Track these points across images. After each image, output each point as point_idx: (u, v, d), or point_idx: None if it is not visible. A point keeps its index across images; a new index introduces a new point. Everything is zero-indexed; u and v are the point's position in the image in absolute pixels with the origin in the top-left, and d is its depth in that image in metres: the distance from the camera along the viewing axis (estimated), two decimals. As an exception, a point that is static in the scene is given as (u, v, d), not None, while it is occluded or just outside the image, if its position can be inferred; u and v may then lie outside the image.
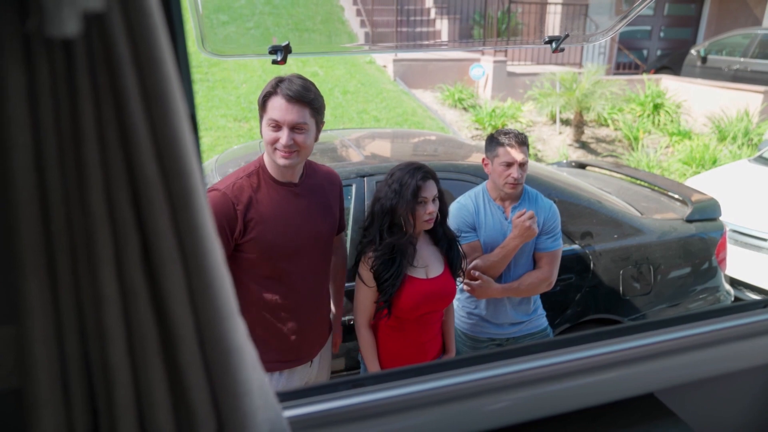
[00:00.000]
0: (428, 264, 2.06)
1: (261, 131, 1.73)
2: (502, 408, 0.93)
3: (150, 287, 0.54)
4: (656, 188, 4.28)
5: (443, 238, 2.13)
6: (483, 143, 2.40)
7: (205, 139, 7.01)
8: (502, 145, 2.19)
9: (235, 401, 0.60)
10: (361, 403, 0.83)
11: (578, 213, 3.35)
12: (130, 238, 0.52)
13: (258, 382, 0.63)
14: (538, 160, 7.90)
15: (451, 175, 3.17)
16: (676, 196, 3.99)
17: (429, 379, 0.86)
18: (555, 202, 3.28)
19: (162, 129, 0.50)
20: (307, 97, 1.65)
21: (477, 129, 8.43)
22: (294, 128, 1.63)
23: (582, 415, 0.98)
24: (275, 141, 1.65)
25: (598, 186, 4.06)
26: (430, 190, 1.97)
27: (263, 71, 8.84)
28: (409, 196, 1.90)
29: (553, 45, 1.59)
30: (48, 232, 0.52)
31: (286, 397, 0.81)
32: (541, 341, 1.08)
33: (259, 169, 1.75)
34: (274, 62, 1.37)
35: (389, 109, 8.47)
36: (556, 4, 11.33)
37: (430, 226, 2.01)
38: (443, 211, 2.13)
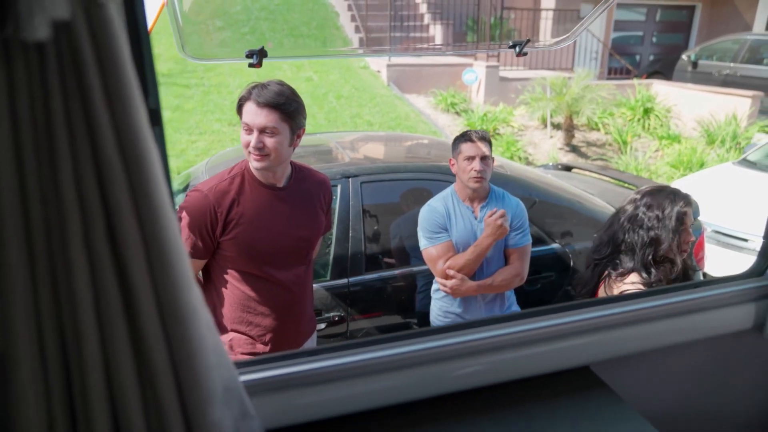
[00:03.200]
0: None
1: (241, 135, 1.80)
2: (446, 376, 1.01)
3: (113, 258, 0.63)
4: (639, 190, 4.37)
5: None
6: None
7: (200, 143, 7.10)
8: (464, 141, 2.28)
9: (190, 360, 0.69)
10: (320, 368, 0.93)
11: (559, 213, 3.44)
12: (96, 215, 0.60)
13: (212, 343, 0.72)
14: (529, 163, 8.00)
15: (434, 176, 3.27)
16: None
17: (371, 349, 0.95)
18: (536, 202, 3.38)
19: (122, 121, 0.59)
20: (276, 102, 1.71)
21: (469, 133, 8.52)
22: (263, 131, 1.70)
23: (521, 384, 1.06)
24: (248, 144, 1.72)
25: (582, 188, 4.15)
26: (690, 216, 1.79)
27: (258, 76, 8.94)
28: (673, 224, 1.71)
29: (517, 49, 1.69)
30: (26, 211, 0.61)
31: (247, 364, 0.91)
32: (487, 318, 1.15)
33: (244, 171, 1.81)
34: (251, 65, 1.46)
35: (382, 114, 8.57)
36: (548, 10, 11.46)
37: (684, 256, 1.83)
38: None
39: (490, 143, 2.32)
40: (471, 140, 2.26)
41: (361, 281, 2.95)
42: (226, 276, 1.83)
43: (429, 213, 2.40)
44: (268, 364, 0.92)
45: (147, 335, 0.65)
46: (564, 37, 1.80)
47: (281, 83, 1.79)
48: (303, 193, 1.89)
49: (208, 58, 1.69)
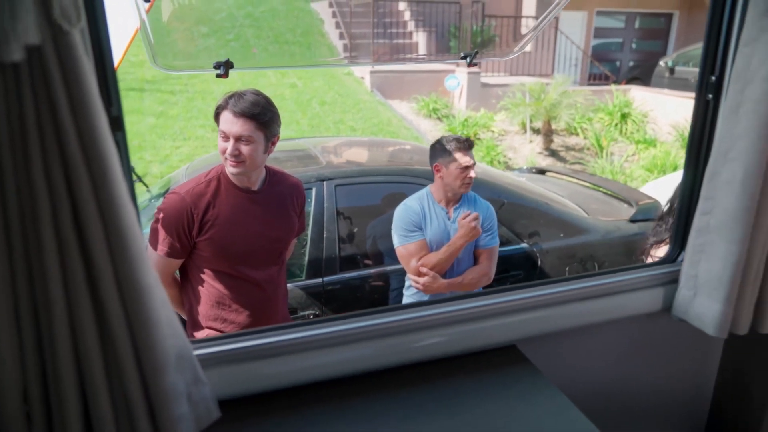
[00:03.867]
0: None
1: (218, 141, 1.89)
2: (381, 353, 1.14)
3: (78, 239, 0.75)
4: (608, 192, 4.53)
5: None
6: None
7: (184, 149, 7.19)
8: (457, 150, 2.39)
9: (146, 329, 0.81)
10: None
11: (527, 214, 3.58)
12: (63, 203, 0.73)
13: (166, 316, 0.84)
14: (509, 167, 8.17)
15: (406, 179, 3.41)
16: (624, 199, 4.24)
17: (311, 328, 1.07)
18: (505, 203, 3.52)
19: (84, 126, 0.71)
20: (251, 112, 1.81)
21: (450, 138, 8.69)
22: (239, 139, 1.80)
23: (453, 361, 1.18)
24: (224, 150, 1.82)
25: (554, 190, 4.30)
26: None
27: (243, 83, 9.05)
28: None
29: (468, 60, 1.82)
30: (4, 200, 0.74)
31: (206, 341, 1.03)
32: (425, 301, 1.26)
33: (220, 175, 1.88)
34: (218, 76, 1.58)
35: (365, 119, 8.72)
36: (527, 17, 11.69)
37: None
38: None
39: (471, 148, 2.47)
40: (465, 150, 2.39)
41: (335, 280, 3.06)
42: (202, 275, 1.92)
43: (405, 212, 2.51)
44: (219, 340, 1.05)
45: (108, 308, 0.78)
46: (521, 44, 1.93)
47: (257, 93, 1.89)
48: (276, 196, 1.98)
49: (179, 69, 1.81)
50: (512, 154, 8.67)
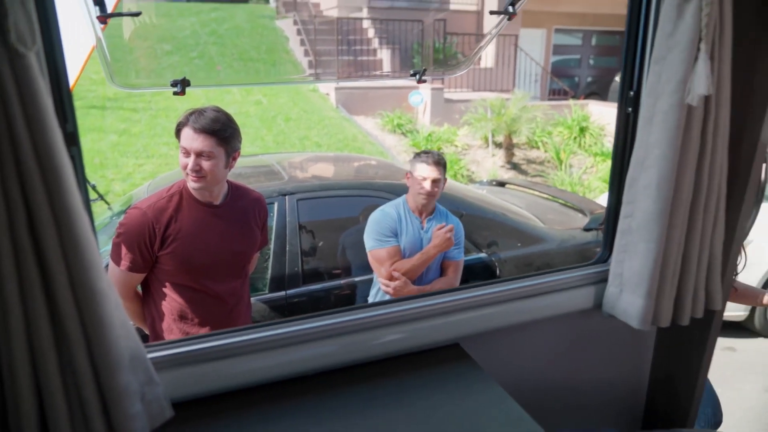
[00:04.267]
0: None
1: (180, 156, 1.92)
2: (332, 352, 1.20)
3: (33, 245, 0.80)
4: (563, 202, 4.70)
5: None
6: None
7: (147, 166, 7.14)
8: (421, 162, 2.53)
9: (99, 331, 0.86)
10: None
11: (485, 225, 3.70)
12: (19, 211, 0.78)
13: (119, 318, 0.90)
14: (472, 180, 8.35)
15: (367, 193, 3.49)
16: (579, 209, 4.41)
17: (257, 330, 1.13)
18: (464, 215, 3.63)
19: (39, 141, 0.77)
20: (212, 129, 1.85)
21: (414, 153, 8.85)
22: (200, 155, 1.84)
23: (400, 359, 1.25)
24: (186, 166, 1.85)
25: (513, 201, 4.44)
26: None
27: (208, 99, 9.05)
28: None
29: (417, 77, 1.92)
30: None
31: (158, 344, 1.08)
32: (375, 302, 1.32)
33: (182, 190, 1.90)
34: (175, 93, 1.63)
35: (330, 135, 8.80)
36: (488, 34, 12.01)
37: None
38: None
39: (444, 167, 2.56)
40: (427, 163, 2.51)
41: (298, 293, 3.10)
42: (164, 289, 1.94)
43: (382, 217, 2.61)
44: (173, 343, 1.10)
45: (62, 310, 0.83)
46: (461, 64, 2.04)
47: (218, 110, 1.93)
48: (238, 210, 2.02)
49: (137, 87, 1.85)
50: (475, 168, 8.87)
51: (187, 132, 1.85)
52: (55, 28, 0.92)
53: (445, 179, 2.60)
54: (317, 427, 1.09)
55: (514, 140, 9.36)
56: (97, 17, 1.26)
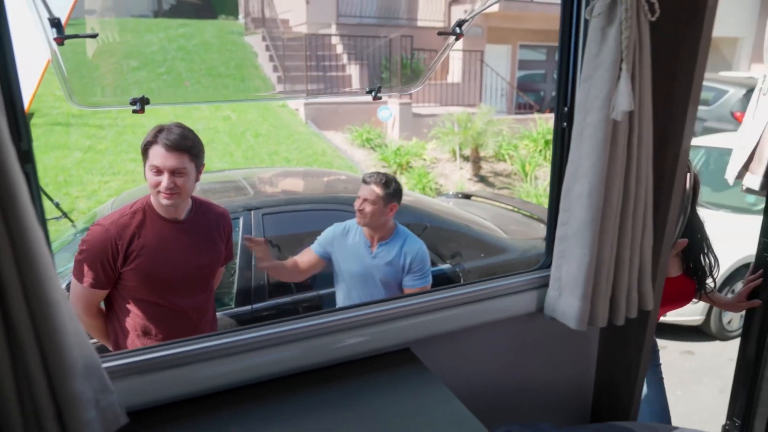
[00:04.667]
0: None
1: (145, 175, 1.88)
2: (285, 358, 1.25)
3: (-13, 259, 0.84)
4: (526, 213, 4.83)
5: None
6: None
7: (113, 183, 7.07)
8: (363, 182, 2.55)
9: (53, 339, 0.90)
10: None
11: (450, 237, 3.79)
12: (-28, 227, 0.82)
13: (73, 327, 0.93)
14: (440, 193, 8.48)
15: (332, 206, 3.55)
16: (541, 219, 4.53)
17: (208, 339, 1.18)
18: (427, 227, 3.71)
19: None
20: (184, 145, 1.86)
21: (383, 167, 8.95)
22: (173, 173, 1.85)
23: (351, 364, 1.31)
24: (158, 184, 1.85)
25: (478, 213, 4.55)
26: None
27: (175, 116, 9.01)
28: None
29: (374, 94, 2.00)
30: None
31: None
32: (328, 309, 1.38)
33: (146, 207, 1.91)
34: (135, 111, 1.67)
35: (300, 150, 8.85)
36: (456, 50, 12.27)
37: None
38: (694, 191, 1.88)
39: (386, 187, 2.50)
40: (364, 182, 2.52)
41: (265, 307, 3.13)
42: (127, 305, 1.95)
43: (330, 228, 2.66)
44: (129, 352, 1.13)
45: (16, 319, 0.86)
46: (416, 82, 2.13)
47: (182, 126, 1.93)
48: (203, 225, 2.04)
49: (96, 105, 1.88)
50: (443, 181, 9.01)
51: (158, 150, 1.84)
52: (9, 48, 0.96)
53: (390, 201, 2.51)
54: (269, 429, 1.14)
55: (481, 153, 9.55)
56: (54, 39, 1.30)
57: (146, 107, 1.57)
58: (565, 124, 1.49)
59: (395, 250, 2.53)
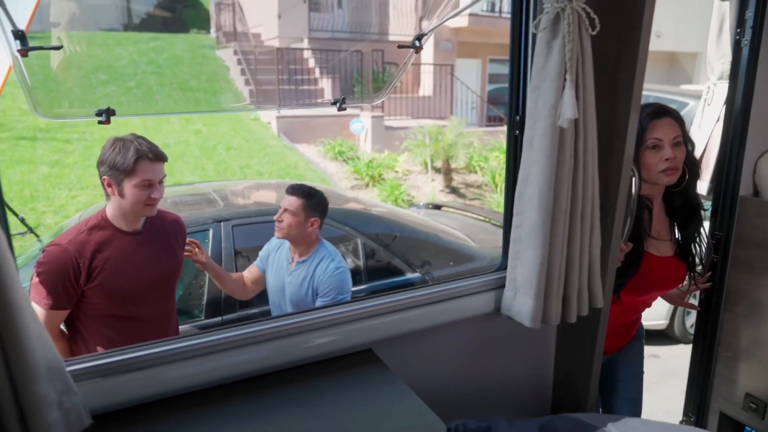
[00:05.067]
0: (663, 238, 1.84)
1: (124, 192, 1.86)
2: (250, 359, 1.29)
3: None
4: (494, 222, 4.94)
5: (683, 207, 1.83)
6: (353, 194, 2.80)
7: (81, 198, 6.97)
8: (287, 193, 2.47)
9: (17, 342, 0.92)
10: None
11: (420, 246, 3.86)
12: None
13: (36, 331, 0.95)
14: (412, 204, 8.57)
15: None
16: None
17: (171, 342, 1.21)
18: (396, 237, 3.77)
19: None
20: (164, 155, 1.93)
21: (356, 179, 9.02)
22: (160, 183, 1.91)
23: (316, 365, 1.35)
24: (146, 198, 1.85)
25: (448, 223, 4.63)
26: (665, 130, 1.66)
27: (145, 129, 8.94)
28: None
29: (339, 105, 2.05)
30: None
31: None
32: (291, 312, 1.41)
33: (102, 222, 1.91)
34: (100, 122, 1.68)
35: (272, 163, 8.85)
36: (426, 64, 12.47)
37: (671, 179, 1.71)
38: (692, 170, 1.81)
39: (308, 198, 2.41)
40: (287, 192, 2.43)
41: (234, 318, 3.13)
42: (90, 323, 1.94)
43: (267, 243, 2.64)
44: (92, 355, 1.16)
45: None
46: (377, 95, 2.19)
47: (135, 135, 1.95)
48: (159, 234, 2.07)
49: (61, 117, 1.89)
50: (416, 192, 9.11)
51: (147, 164, 1.86)
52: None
53: (312, 214, 2.43)
54: (230, 428, 1.17)
55: (453, 165, 9.69)
56: (18, 51, 1.32)
57: (118, 122, 1.59)
58: (517, 132, 1.56)
59: (311, 269, 2.45)
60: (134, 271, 1.95)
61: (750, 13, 1.89)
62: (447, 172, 9.47)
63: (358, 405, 1.25)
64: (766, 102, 1.95)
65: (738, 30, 1.94)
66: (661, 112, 1.71)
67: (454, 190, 9.46)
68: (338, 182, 8.88)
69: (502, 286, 1.58)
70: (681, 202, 1.83)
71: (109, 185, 1.89)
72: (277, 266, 2.57)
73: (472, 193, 9.54)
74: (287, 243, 2.56)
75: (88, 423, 1.06)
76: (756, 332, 2.04)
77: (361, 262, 3.56)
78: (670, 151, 1.67)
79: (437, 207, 5.77)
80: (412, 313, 1.48)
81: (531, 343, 1.74)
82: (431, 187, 9.29)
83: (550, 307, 1.47)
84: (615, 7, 1.41)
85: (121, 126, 8.82)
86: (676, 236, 1.89)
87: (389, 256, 3.67)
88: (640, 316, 2.05)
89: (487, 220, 5.17)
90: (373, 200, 7.39)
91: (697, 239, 1.89)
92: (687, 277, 1.93)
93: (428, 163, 9.50)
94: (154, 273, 2.02)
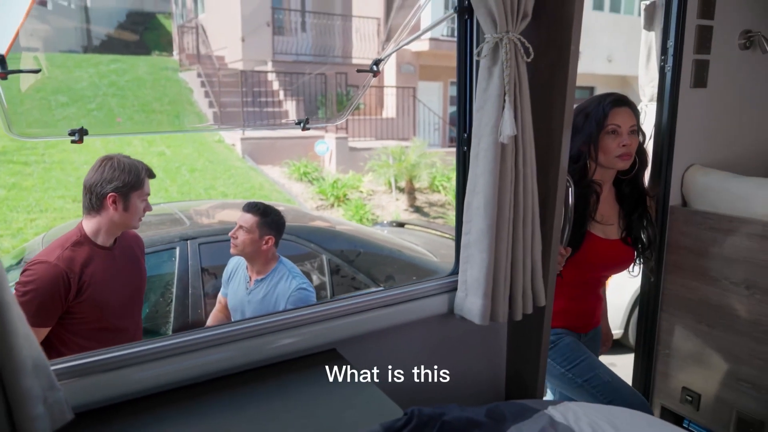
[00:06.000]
0: (608, 222, 1.94)
1: (130, 206, 1.98)
2: (222, 359, 1.38)
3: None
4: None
5: (631, 194, 1.95)
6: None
7: (40, 221, 6.86)
8: (243, 211, 2.53)
9: (4, 338, 1.00)
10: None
11: (383, 261, 3.98)
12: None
13: (23, 329, 1.04)
14: (376, 223, 8.71)
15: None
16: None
17: (145, 343, 1.29)
18: (360, 253, 3.89)
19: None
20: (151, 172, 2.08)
21: (321, 200, 9.13)
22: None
23: (282, 365, 1.45)
24: (145, 210, 2.03)
25: (411, 240, 4.78)
26: (624, 118, 1.81)
27: (107, 152, 8.86)
28: (593, 125, 1.81)
29: (302, 125, 2.18)
30: None
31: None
32: (257, 316, 1.49)
33: (81, 238, 1.96)
34: (73, 142, 1.75)
35: (237, 185, 8.88)
36: (390, 87, 12.76)
37: (625, 164, 1.85)
38: (642, 158, 1.93)
39: (263, 216, 2.45)
40: (243, 209, 2.49)
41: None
42: (71, 336, 1.96)
43: (227, 266, 2.68)
44: (73, 355, 1.24)
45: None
46: (338, 115, 2.32)
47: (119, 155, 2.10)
48: (126, 248, 2.16)
49: (35, 136, 1.95)
50: (380, 212, 9.26)
51: (147, 180, 2.03)
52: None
53: (267, 232, 2.45)
54: (199, 424, 1.26)
55: (416, 185, 9.91)
56: (-1, 74, 1.40)
57: (76, 145, 1.67)
58: (465, 148, 1.72)
59: (270, 287, 2.46)
60: (118, 284, 2.04)
61: (671, 42, 2.12)
62: (411, 191, 9.67)
63: (322, 399, 1.35)
64: (689, 121, 2.18)
65: (662, 57, 2.17)
66: (622, 100, 1.84)
67: (418, 209, 9.66)
68: (303, 203, 8.97)
69: (455, 288, 1.71)
70: (629, 190, 1.95)
71: (114, 202, 1.95)
72: (236, 286, 2.61)
73: (436, 212, 9.75)
74: (240, 262, 2.59)
75: (70, 417, 1.13)
76: (689, 330, 2.23)
77: (326, 278, 3.65)
78: (627, 137, 1.81)
79: (401, 225, 5.92)
80: (373, 314, 1.60)
81: (484, 341, 1.88)
82: (395, 207, 9.46)
83: (497, 306, 1.61)
84: (547, 39, 1.59)
85: (84, 149, 8.73)
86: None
87: (353, 272, 3.78)
88: (601, 299, 2.12)
89: (448, 236, 5.34)
90: (338, 219, 7.51)
91: (644, 225, 1.97)
92: (636, 261, 2.02)
93: (392, 183, 9.68)
94: (132, 285, 2.13)
